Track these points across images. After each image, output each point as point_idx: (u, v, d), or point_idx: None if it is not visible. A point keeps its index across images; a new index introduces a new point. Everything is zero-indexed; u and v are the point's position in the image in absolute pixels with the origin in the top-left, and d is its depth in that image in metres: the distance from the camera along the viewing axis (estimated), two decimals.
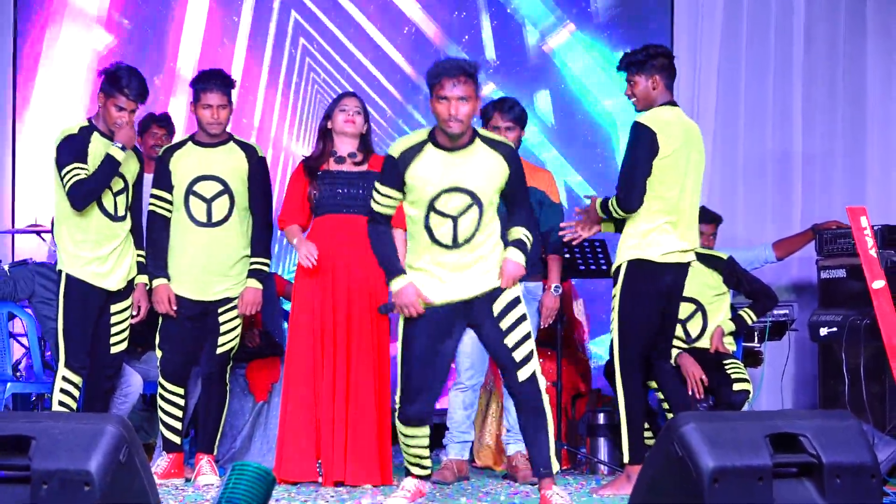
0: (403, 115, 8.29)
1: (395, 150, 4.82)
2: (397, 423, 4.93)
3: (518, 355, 4.83)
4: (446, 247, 4.79)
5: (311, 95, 8.21)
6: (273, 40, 8.22)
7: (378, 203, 4.86)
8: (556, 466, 4.91)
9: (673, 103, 5.56)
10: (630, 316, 5.47)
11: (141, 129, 6.59)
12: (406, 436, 4.91)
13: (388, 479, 5.85)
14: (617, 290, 5.49)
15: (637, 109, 5.64)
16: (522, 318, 4.87)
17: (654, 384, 5.80)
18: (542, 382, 4.85)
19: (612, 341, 5.53)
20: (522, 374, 4.81)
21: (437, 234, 4.80)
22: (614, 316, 5.50)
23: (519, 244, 4.86)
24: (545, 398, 4.86)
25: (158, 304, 5.83)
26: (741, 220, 8.07)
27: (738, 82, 8.18)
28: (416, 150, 4.80)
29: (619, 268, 5.50)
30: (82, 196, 5.60)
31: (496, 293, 4.84)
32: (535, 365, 4.84)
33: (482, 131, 4.93)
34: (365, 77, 8.28)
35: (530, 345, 4.86)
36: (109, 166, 5.61)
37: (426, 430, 4.93)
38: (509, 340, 4.83)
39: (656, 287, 5.51)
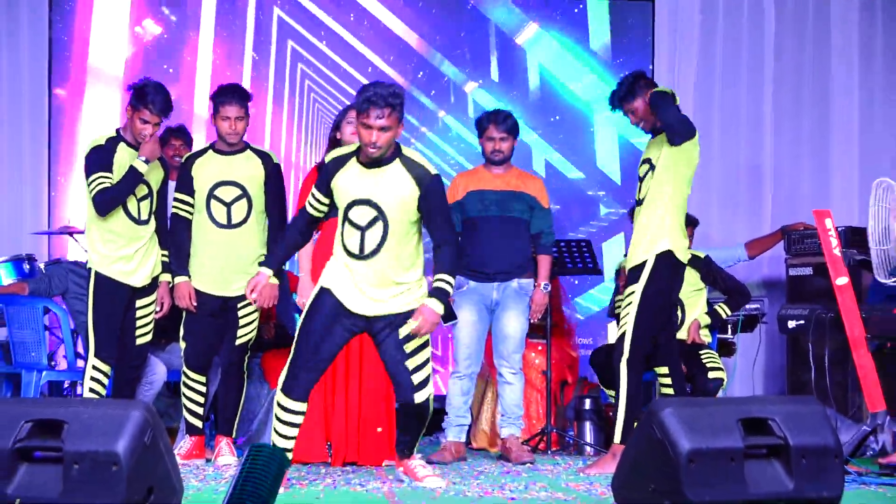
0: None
1: (328, 157, 4.90)
2: (279, 396, 4.85)
3: (416, 378, 4.88)
4: (354, 256, 4.82)
5: (312, 111, 8.15)
6: (274, 66, 8.12)
7: (309, 203, 4.92)
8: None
9: None
10: (651, 308, 5.44)
11: (161, 142, 6.59)
12: (288, 410, 4.85)
13: (394, 458, 5.86)
14: (642, 283, 5.43)
15: (647, 131, 5.62)
16: (426, 343, 4.91)
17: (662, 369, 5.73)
18: (431, 398, 4.92)
19: (624, 332, 5.46)
20: (419, 398, 4.88)
21: (348, 244, 4.85)
22: (632, 310, 5.44)
23: (439, 293, 4.81)
24: (429, 410, 4.94)
25: (180, 300, 5.84)
26: (716, 222, 8.07)
27: (712, 94, 8.19)
28: (343, 160, 4.86)
29: (643, 263, 5.46)
30: (105, 203, 5.61)
31: (404, 317, 4.84)
32: (429, 389, 4.90)
33: (408, 153, 4.87)
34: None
35: (428, 370, 4.91)
36: (132, 177, 5.62)
37: (304, 408, 4.89)
38: (410, 363, 4.87)
39: (678, 284, 5.52)
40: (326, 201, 4.89)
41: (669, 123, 5.43)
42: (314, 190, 4.89)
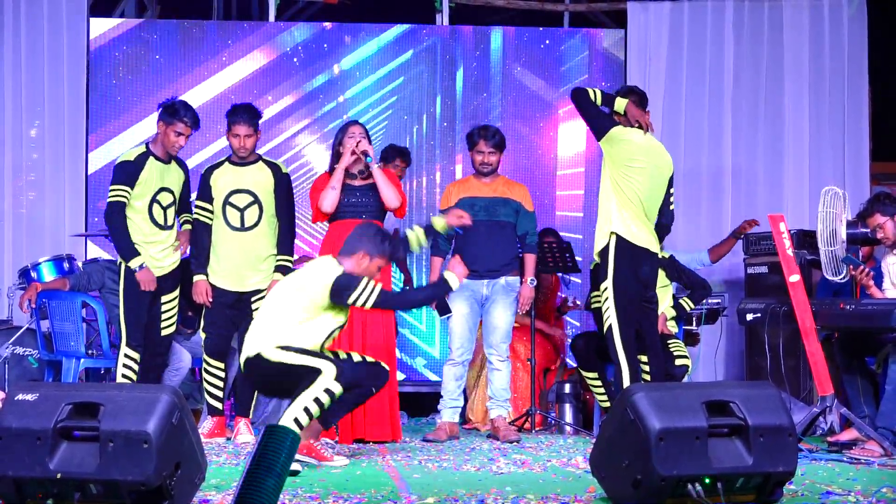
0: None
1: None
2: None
3: None
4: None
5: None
6: None
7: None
8: None
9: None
10: (624, 297, 5.40)
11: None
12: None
13: (398, 436, 5.84)
14: (610, 278, 5.40)
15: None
16: None
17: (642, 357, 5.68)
18: None
19: (610, 326, 5.40)
20: None
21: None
22: (610, 304, 5.40)
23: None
24: None
25: (197, 296, 5.84)
26: (681, 225, 8.04)
27: (679, 114, 8.16)
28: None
29: (605, 249, 5.43)
30: (111, 217, 5.67)
31: None
32: None
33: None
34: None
35: None
36: (123, 244, 5.66)
37: None
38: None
39: (640, 267, 5.48)
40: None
41: (588, 122, 5.50)
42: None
